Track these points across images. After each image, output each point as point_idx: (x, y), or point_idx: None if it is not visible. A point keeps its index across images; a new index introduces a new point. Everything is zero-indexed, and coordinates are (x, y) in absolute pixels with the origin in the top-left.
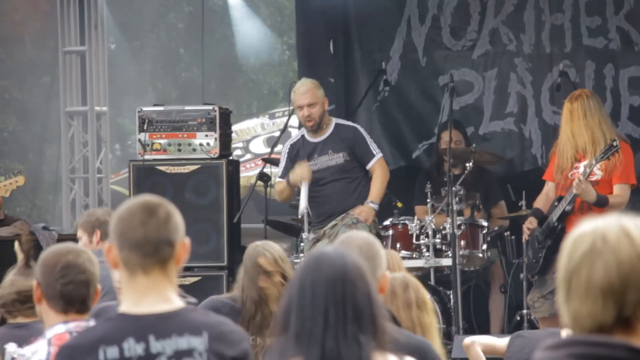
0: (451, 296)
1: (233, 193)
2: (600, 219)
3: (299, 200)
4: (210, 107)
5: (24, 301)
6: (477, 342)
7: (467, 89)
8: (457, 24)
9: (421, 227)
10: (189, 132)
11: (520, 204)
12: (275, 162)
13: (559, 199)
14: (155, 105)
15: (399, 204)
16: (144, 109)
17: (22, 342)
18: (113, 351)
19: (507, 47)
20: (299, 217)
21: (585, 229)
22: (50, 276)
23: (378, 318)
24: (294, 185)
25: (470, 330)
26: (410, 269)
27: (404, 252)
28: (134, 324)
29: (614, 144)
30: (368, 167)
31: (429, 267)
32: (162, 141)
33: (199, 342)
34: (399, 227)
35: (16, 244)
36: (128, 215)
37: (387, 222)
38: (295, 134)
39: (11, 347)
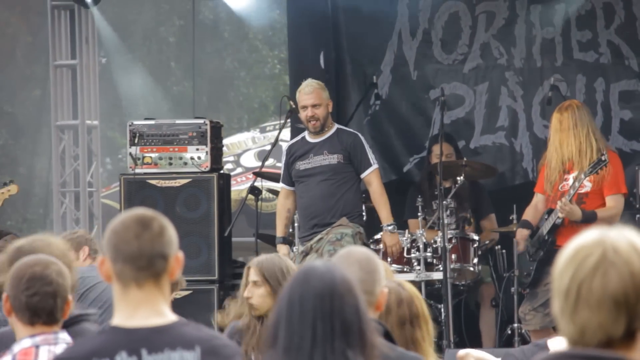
0: (442, 310)
1: (224, 207)
2: (604, 230)
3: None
4: (201, 121)
5: None
6: (471, 355)
7: (458, 102)
8: (448, 37)
9: (412, 241)
10: (180, 146)
11: (511, 218)
12: (266, 176)
13: (549, 211)
14: (146, 119)
15: None
16: (135, 122)
17: None
18: None
19: (498, 61)
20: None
21: (590, 239)
22: (16, 288)
23: (366, 333)
24: None
25: (461, 344)
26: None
27: (395, 266)
28: (127, 338)
29: (603, 158)
30: (363, 175)
31: (420, 281)
32: (153, 155)
33: (191, 357)
34: None
35: None
36: (122, 228)
37: (378, 236)
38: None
39: None
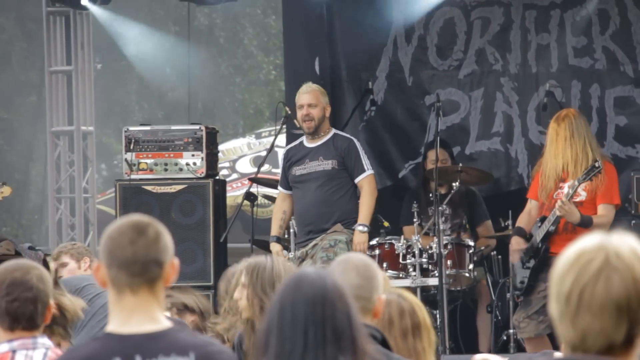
0: (438, 316)
1: (219, 213)
2: (604, 235)
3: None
4: (196, 127)
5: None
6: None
7: (453, 108)
8: (443, 43)
9: (408, 247)
10: (176, 152)
11: (506, 224)
12: (261, 182)
13: (542, 219)
14: (141, 124)
15: (386, 224)
16: (131, 128)
17: None
18: None
19: (493, 66)
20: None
21: (591, 244)
22: None
23: (358, 339)
24: None
25: (457, 350)
26: (397, 289)
27: (390, 272)
28: (121, 344)
29: (596, 165)
30: (356, 181)
31: (416, 287)
32: (148, 161)
33: None
34: (386, 246)
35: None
36: (117, 234)
37: (373, 242)
38: (281, 153)
39: None
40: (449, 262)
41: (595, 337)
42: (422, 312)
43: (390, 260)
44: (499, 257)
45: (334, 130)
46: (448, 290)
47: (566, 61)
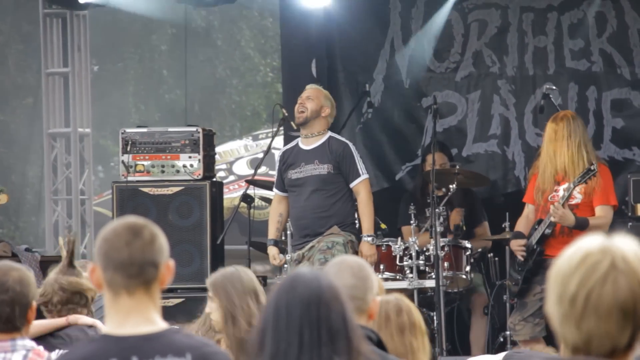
0: (435, 317)
1: (216, 214)
2: (606, 237)
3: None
4: (193, 129)
5: (65, 302)
6: None
7: (450, 110)
8: (440, 46)
9: (405, 249)
10: (173, 154)
11: (503, 226)
12: (258, 184)
13: (539, 222)
14: (138, 126)
15: (383, 226)
16: (127, 130)
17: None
18: None
19: (491, 69)
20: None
21: (596, 245)
22: None
23: (353, 339)
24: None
25: (453, 352)
26: (394, 291)
27: (387, 274)
28: (117, 345)
29: (592, 167)
30: (351, 185)
31: (413, 289)
32: (145, 163)
33: None
34: (383, 248)
35: (60, 240)
36: (113, 236)
37: None
38: (278, 155)
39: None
40: (445, 264)
41: (601, 340)
42: (419, 315)
43: (387, 262)
44: (496, 259)
45: (329, 133)
46: (445, 292)
47: (563, 64)
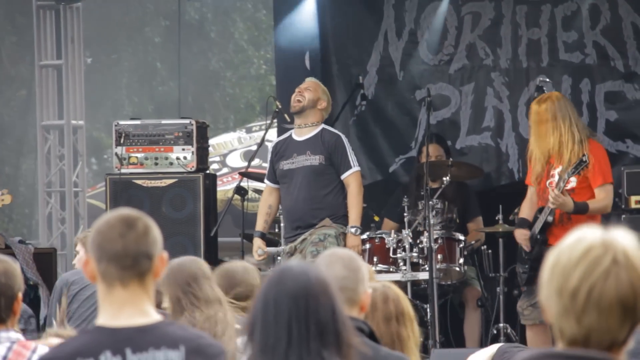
0: (428, 310)
1: (210, 207)
2: (604, 230)
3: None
4: (187, 121)
5: None
6: None
7: (443, 103)
8: (434, 38)
9: (398, 241)
10: (166, 146)
11: (497, 218)
12: (252, 176)
13: (540, 209)
14: (132, 119)
15: (376, 218)
16: (121, 122)
17: None
18: None
19: (484, 61)
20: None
21: (596, 239)
22: None
23: (342, 333)
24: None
25: (447, 344)
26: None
27: (380, 266)
28: (111, 337)
29: (584, 159)
30: (342, 177)
31: (406, 281)
32: (138, 155)
33: (176, 356)
34: (376, 240)
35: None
36: (107, 228)
37: (364, 237)
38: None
39: None
40: (439, 256)
41: (600, 334)
42: (407, 303)
43: (380, 254)
44: (489, 251)
45: (323, 125)
46: (438, 284)
47: (557, 56)
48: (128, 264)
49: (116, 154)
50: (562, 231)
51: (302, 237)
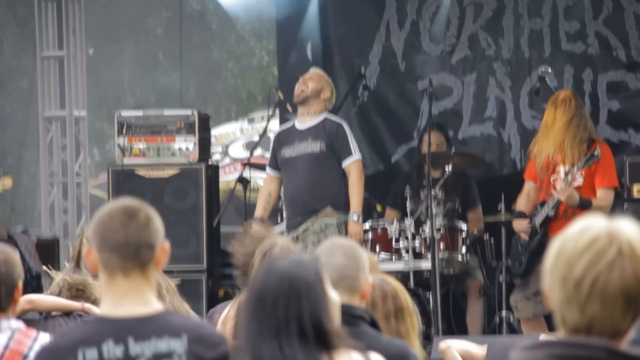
0: (430, 299)
1: (212, 197)
2: (608, 220)
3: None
4: (189, 112)
5: (72, 299)
6: (453, 347)
7: (446, 93)
8: (436, 29)
9: (400, 231)
10: (168, 137)
11: (499, 208)
12: (254, 167)
13: (542, 204)
14: (134, 109)
15: (379, 208)
16: (123, 113)
17: None
18: (92, 353)
19: (486, 52)
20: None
21: (601, 229)
22: None
23: (325, 323)
24: None
25: (449, 332)
26: (390, 272)
27: (383, 255)
28: (113, 327)
29: (595, 153)
30: (344, 165)
31: (409, 270)
32: (141, 145)
33: (178, 345)
34: (379, 230)
35: (70, 244)
36: (109, 218)
37: (366, 226)
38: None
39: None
40: (441, 245)
41: (603, 324)
42: (405, 296)
43: (383, 243)
44: (492, 240)
45: (325, 114)
46: (441, 273)
47: (559, 46)
48: (130, 254)
49: (118, 144)
50: (564, 225)
51: (304, 226)
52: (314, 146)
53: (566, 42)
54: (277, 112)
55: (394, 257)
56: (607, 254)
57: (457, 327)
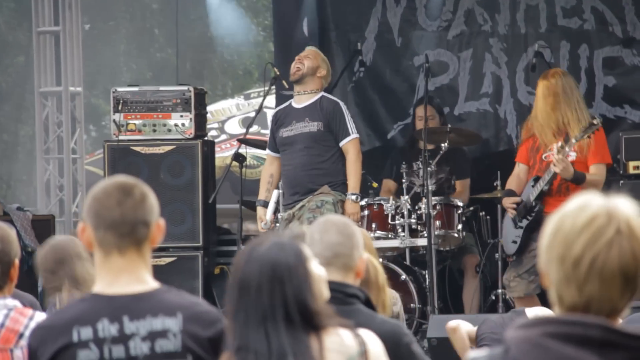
0: (427, 276)
1: (208, 174)
2: (606, 198)
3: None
4: (185, 88)
5: None
6: (463, 328)
7: (442, 69)
8: (432, 4)
9: (396, 208)
10: (164, 113)
11: (495, 184)
12: (250, 143)
13: (536, 179)
14: (130, 85)
15: (375, 185)
16: (119, 89)
17: None
18: (87, 331)
19: (482, 27)
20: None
21: (599, 207)
22: None
23: (311, 305)
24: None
25: (445, 310)
26: (386, 249)
27: (379, 232)
28: (108, 305)
29: (595, 122)
30: (341, 144)
31: (405, 247)
32: (136, 122)
33: (173, 323)
34: (375, 207)
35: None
36: (104, 195)
37: (362, 203)
38: (270, 114)
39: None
40: (437, 222)
41: (601, 303)
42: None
43: (379, 220)
44: (488, 217)
45: (322, 93)
46: (437, 250)
47: (555, 22)
48: (125, 232)
49: (114, 120)
50: (559, 201)
51: (300, 204)
52: (311, 125)
53: (562, 17)
54: (273, 88)
55: (390, 234)
56: (606, 233)
57: (453, 305)
